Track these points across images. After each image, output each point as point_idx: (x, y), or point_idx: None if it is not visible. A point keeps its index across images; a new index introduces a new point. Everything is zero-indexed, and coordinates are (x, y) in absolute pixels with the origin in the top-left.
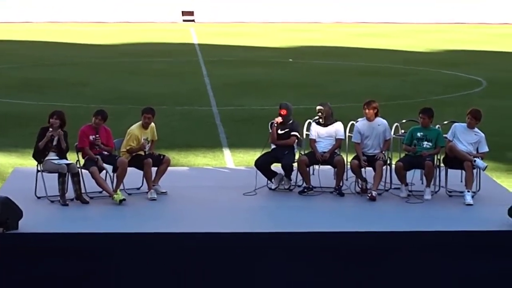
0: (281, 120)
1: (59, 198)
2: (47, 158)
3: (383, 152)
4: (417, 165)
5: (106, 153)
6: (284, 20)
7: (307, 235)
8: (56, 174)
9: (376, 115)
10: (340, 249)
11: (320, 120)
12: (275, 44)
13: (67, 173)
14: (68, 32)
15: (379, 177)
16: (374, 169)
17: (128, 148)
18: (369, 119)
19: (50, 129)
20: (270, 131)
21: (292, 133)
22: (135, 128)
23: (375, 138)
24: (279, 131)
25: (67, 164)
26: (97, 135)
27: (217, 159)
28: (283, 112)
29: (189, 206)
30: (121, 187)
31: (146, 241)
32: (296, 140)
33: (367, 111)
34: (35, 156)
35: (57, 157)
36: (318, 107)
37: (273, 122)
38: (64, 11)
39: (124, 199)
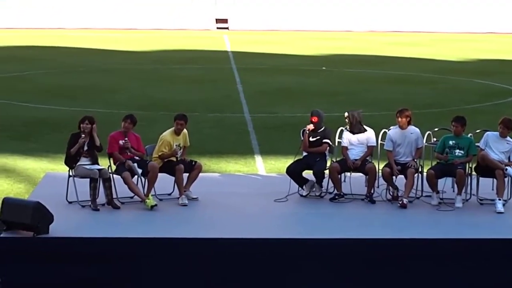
0: (313, 127)
1: (90, 203)
2: (78, 163)
3: (415, 160)
4: (449, 173)
5: (137, 158)
6: (317, 28)
7: (338, 241)
8: (87, 180)
9: (409, 123)
10: (371, 256)
11: (348, 127)
12: (308, 52)
13: (98, 179)
14: (101, 38)
15: (410, 185)
16: (406, 177)
17: (160, 154)
18: (401, 127)
19: (82, 135)
20: (302, 138)
21: (324, 140)
22: (167, 134)
23: (407, 146)
24: (311, 138)
25: (99, 170)
26: (126, 139)
27: (249, 166)
28: (315, 119)
29: (220, 212)
30: (152, 192)
31: (177, 247)
32: (328, 148)
33: (399, 119)
34: (66, 162)
35: (89, 162)
36: (345, 114)
37: (305, 129)
38: (97, 18)
39: (155, 205)
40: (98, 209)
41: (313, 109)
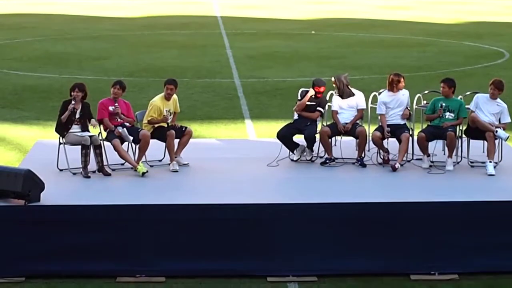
0: (315, 95)
1: (81, 170)
2: (70, 131)
3: (408, 108)
4: (439, 136)
5: (128, 124)
6: None
7: (329, 205)
8: (78, 147)
9: None
10: (362, 220)
11: (336, 91)
12: (298, 16)
13: (90, 145)
14: (89, 5)
15: (404, 149)
16: (398, 140)
17: (149, 119)
18: (397, 90)
19: (73, 102)
20: (299, 98)
21: (318, 108)
22: (157, 100)
23: (398, 107)
24: (307, 102)
25: (90, 136)
26: (117, 104)
27: (239, 131)
28: (322, 89)
29: (211, 177)
30: (143, 159)
31: (168, 213)
32: (320, 115)
33: (401, 84)
34: (58, 130)
35: (79, 130)
36: (332, 79)
37: (304, 90)
38: None
39: (147, 171)
40: (89, 176)
41: (303, 73)
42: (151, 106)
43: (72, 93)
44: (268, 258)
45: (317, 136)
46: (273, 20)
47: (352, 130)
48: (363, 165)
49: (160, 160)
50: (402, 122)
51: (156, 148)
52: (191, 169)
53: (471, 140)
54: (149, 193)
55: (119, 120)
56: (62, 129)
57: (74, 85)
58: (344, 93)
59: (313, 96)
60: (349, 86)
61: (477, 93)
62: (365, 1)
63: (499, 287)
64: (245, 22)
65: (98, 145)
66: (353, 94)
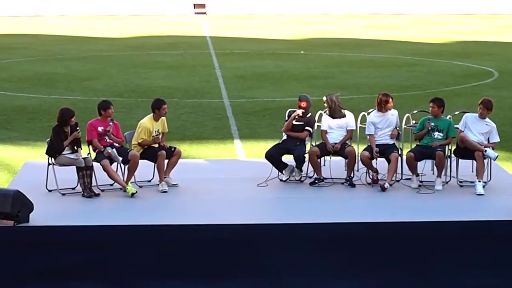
0: (301, 114)
1: (83, 193)
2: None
3: (397, 127)
4: (428, 156)
5: (117, 145)
6: (296, 11)
7: (318, 226)
8: (67, 168)
9: None
10: (351, 240)
11: (327, 111)
12: (286, 36)
13: (84, 167)
14: (78, 25)
15: (393, 169)
16: (387, 160)
17: (140, 141)
18: (386, 110)
19: (77, 128)
20: (286, 119)
21: (306, 128)
22: (146, 121)
23: (387, 127)
24: (295, 122)
25: (84, 158)
26: (111, 124)
27: (229, 151)
28: (303, 104)
29: (200, 198)
30: (132, 179)
31: (158, 233)
32: (308, 135)
33: (390, 104)
34: (50, 153)
35: (70, 151)
36: (323, 98)
37: (291, 110)
38: (74, 5)
39: (136, 192)
40: (93, 195)
41: (291, 93)
42: (140, 128)
43: (72, 119)
44: (257, 279)
45: (306, 156)
46: (262, 40)
47: (341, 150)
48: (352, 185)
49: (149, 181)
50: (391, 142)
51: (145, 168)
52: (180, 189)
53: (460, 160)
54: (138, 213)
55: (108, 140)
56: (55, 152)
57: (73, 112)
58: (335, 113)
59: (299, 116)
60: (340, 106)
61: (466, 112)
62: (352, 20)
63: None
64: (234, 42)
65: (90, 166)
66: (344, 115)
